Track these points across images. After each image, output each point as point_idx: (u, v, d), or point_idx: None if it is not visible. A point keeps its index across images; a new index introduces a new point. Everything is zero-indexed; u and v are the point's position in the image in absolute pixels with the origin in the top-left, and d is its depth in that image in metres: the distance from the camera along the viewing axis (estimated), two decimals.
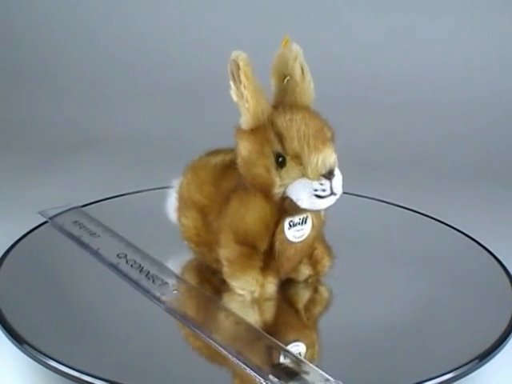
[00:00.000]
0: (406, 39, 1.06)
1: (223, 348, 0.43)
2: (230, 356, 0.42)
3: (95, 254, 0.55)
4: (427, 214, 0.64)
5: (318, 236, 0.50)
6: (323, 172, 0.44)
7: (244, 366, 0.41)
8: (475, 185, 0.82)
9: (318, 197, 0.44)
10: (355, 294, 0.52)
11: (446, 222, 0.63)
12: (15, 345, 0.43)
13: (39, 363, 0.41)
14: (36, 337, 0.43)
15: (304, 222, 0.48)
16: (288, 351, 0.42)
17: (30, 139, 0.93)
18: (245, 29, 1.04)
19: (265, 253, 0.48)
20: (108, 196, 0.65)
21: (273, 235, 0.48)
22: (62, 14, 1.11)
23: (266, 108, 0.46)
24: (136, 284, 0.51)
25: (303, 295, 0.51)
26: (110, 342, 0.45)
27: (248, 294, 0.49)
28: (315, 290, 0.51)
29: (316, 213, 0.48)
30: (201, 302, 0.50)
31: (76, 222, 0.60)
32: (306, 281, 0.52)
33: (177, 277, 0.52)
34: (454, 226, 0.62)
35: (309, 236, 0.48)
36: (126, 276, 0.52)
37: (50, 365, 0.41)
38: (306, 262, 0.51)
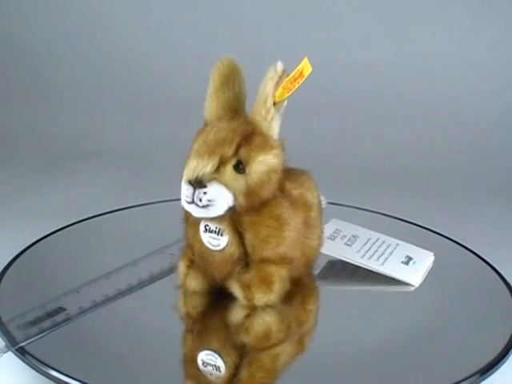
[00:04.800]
0: (410, 51, 1.06)
1: None
2: None
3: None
4: (426, 226, 0.64)
5: (255, 263, 0.48)
6: (189, 178, 0.45)
7: None
8: (476, 197, 0.82)
9: (186, 201, 0.45)
10: (353, 308, 0.51)
11: (446, 235, 0.63)
12: (17, 356, 0.43)
13: (41, 373, 0.41)
14: (38, 347, 0.43)
15: (220, 233, 0.47)
16: None
17: (27, 151, 0.92)
18: (239, 41, 1.04)
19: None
20: (110, 209, 0.66)
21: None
22: (63, 29, 1.11)
23: (214, 111, 0.47)
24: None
25: (233, 312, 0.49)
26: (111, 353, 0.44)
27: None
28: (247, 315, 0.48)
29: (238, 234, 0.47)
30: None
31: None
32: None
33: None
34: (455, 239, 0.62)
35: (227, 251, 0.47)
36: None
37: (51, 375, 0.41)
38: (237, 280, 0.49)
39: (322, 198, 0.56)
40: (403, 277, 0.53)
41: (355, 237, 0.58)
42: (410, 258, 0.56)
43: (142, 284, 0.52)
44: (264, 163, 0.46)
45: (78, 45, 1.10)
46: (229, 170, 0.45)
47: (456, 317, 0.50)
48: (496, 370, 0.43)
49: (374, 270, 0.54)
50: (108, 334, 0.47)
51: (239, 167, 0.45)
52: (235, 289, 0.49)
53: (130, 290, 0.51)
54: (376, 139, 0.95)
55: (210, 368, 0.43)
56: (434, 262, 0.57)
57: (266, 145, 0.46)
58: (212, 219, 0.46)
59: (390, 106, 1.01)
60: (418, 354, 0.46)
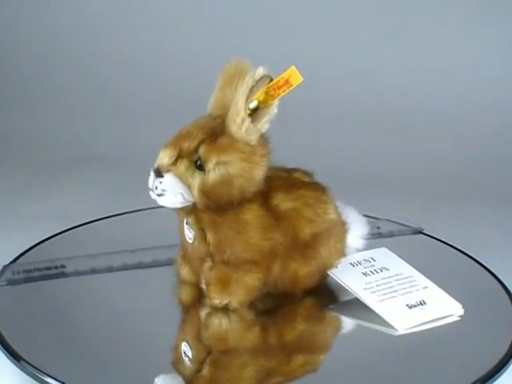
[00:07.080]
0: (411, 60, 1.05)
1: None
2: None
3: None
4: (430, 234, 0.64)
5: (217, 262, 0.48)
6: (153, 167, 0.46)
7: None
8: (477, 204, 0.80)
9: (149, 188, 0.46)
10: (355, 316, 0.50)
11: (450, 243, 0.62)
12: (13, 362, 0.44)
13: (36, 380, 0.42)
14: (33, 354, 0.44)
15: (191, 228, 0.48)
16: None
17: (25, 157, 0.93)
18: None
19: None
20: (108, 214, 0.66)
21: None
22: (60, 37, 1.11)
23: (211, 109, 0.48)
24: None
25: (202, 308, 0.49)
26: (105, 360, 0.45)
27: None
28: (209, 313, 0.49)
29: (203, 231, 0.48)
30: None
31: None
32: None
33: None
34: (460, 249, 0.61)
35: (195, 245, 0.48)
36: None
37: (46, 382, 0.41)
38: (204, 276, 0.49)
39: (360, 226, 0.54)
40: (389, 318, 0.49)
41: (382, 269, 0.54)
42: (421, 303, 0.51)
43: (153, 264, 0.55)
44: (224, 165, 0.45)
45: (76, 52, 1.11)
46: (185, 163, 0.46)
47: (456, 324, 0.49)
48: (497, 378, 0.43)
49: (366, 304, 0.50)
50: (90, 309, 0.50)
51: (198, 163, 0.46)
52: (202, 284, 0.50)
53: (136, 267, 0.55)
54: (377, 147, 0.94)
55: (186, 358, 0.44)
56: (439, 272, 0.55)
57: (230, 147, 0.46)
58: (181, 211, 0.48)
59: (392, 114, 0.99)
60: (418, 363, 0.45)
